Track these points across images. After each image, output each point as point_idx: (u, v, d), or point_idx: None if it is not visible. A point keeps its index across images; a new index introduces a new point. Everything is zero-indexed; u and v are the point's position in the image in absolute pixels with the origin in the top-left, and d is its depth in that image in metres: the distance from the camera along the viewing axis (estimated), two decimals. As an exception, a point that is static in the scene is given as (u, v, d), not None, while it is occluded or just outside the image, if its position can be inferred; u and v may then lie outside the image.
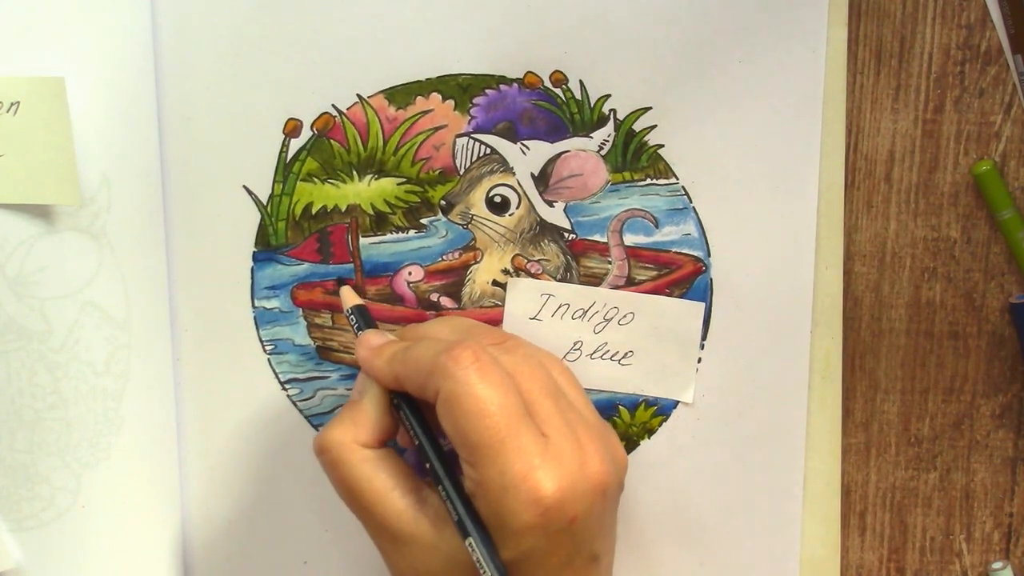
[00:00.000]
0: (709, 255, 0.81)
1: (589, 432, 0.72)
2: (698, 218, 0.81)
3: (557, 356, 0.79)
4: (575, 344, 0.82)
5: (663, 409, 0.83)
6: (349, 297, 0.79)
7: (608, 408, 0.82)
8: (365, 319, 0.78)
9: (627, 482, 0.82)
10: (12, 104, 0.74)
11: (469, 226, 0.81)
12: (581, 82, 0.80)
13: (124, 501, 0.80)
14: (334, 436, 0.73)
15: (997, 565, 0.85)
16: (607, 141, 0.80)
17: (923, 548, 0.86)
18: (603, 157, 0.80)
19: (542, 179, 0.81)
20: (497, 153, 0.80)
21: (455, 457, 0.71)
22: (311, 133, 0.79)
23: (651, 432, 0.83)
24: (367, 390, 0.74)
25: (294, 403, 0.82)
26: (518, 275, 0.81)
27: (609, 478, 0.71)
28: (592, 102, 0.80)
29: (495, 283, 0.81)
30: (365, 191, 0.80)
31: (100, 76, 0.76)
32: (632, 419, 0.83)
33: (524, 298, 0.81)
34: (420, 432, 0.73)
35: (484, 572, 0.69)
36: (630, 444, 0.83)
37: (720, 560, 0.84)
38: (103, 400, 0.78)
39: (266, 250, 0.80)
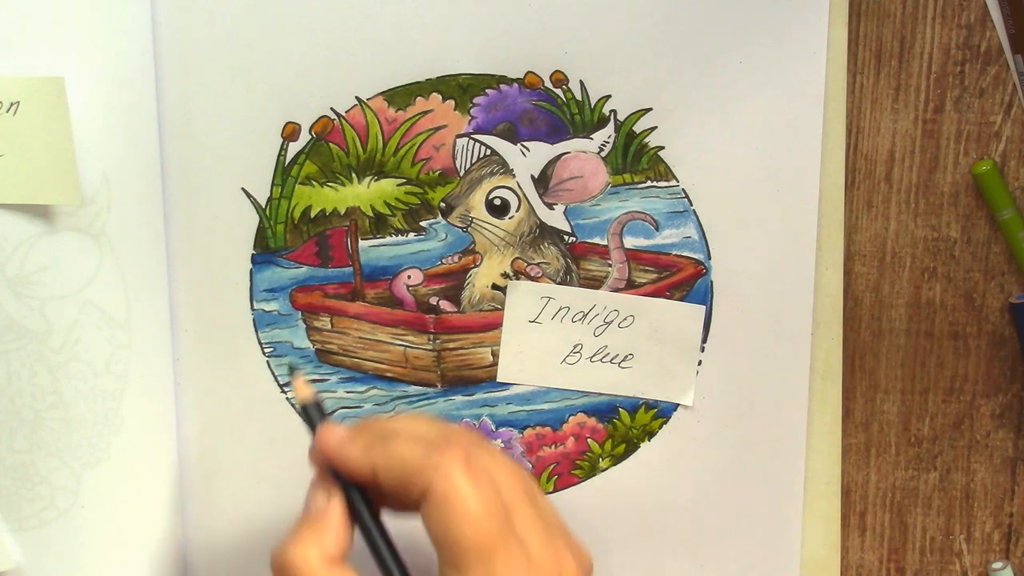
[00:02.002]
0: (709, 258, 0.81)
1: (563, 538, 0.71)
2: (698, 221, 0.81)
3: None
4: (575, 347, 0.82)
5: (663, 411, 0.83)
6: (303, 391, 0.73)
7: (607, 411, 0.83)
8: (322, 413, 0.73)
9: (628, 483, 0.83)
10: (12, 104, 0.74)
11: (469, 229, 0.81)
12: (581, 82, 0.80)
13: (124, 501, 0.80)
14: (298, 556, 0.68)
15: (997, 565, 0.85)
16: (607, 143, 0.80)
17: (923, 548, 0.86)
18: (603, 159, 0.80)
19: (542, 181, 0.80)
20: (497, 154, 0.80)
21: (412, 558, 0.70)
22: (309, 136, 0.79)
23: (651, 434, 0.83)
24: (328, 502, 0.70)
25: (293, 406, 0.82)
26: (518, 278, 0.81)
27: None
28: (592, 103, 0.80)
29: (495, 287, 0.81)
30: (364, 193, 0.80)
31: (100, 76, 0.76)
32: (632, 421, 0.83)
33: (524, 301, 0.81)
34: (377, 534, 0.70)
35: None
36: (630, 446, 0.83)
37: (721, 560, 0.84)
38: (103, 400, 0.79)
39: (265, 252, 0.80)
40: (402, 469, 0.68)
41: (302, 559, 0.68)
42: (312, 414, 0.72)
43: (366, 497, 0.70)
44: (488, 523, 0.66)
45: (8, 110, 0.74)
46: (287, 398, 0.82)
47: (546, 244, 0.81)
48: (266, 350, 0.81)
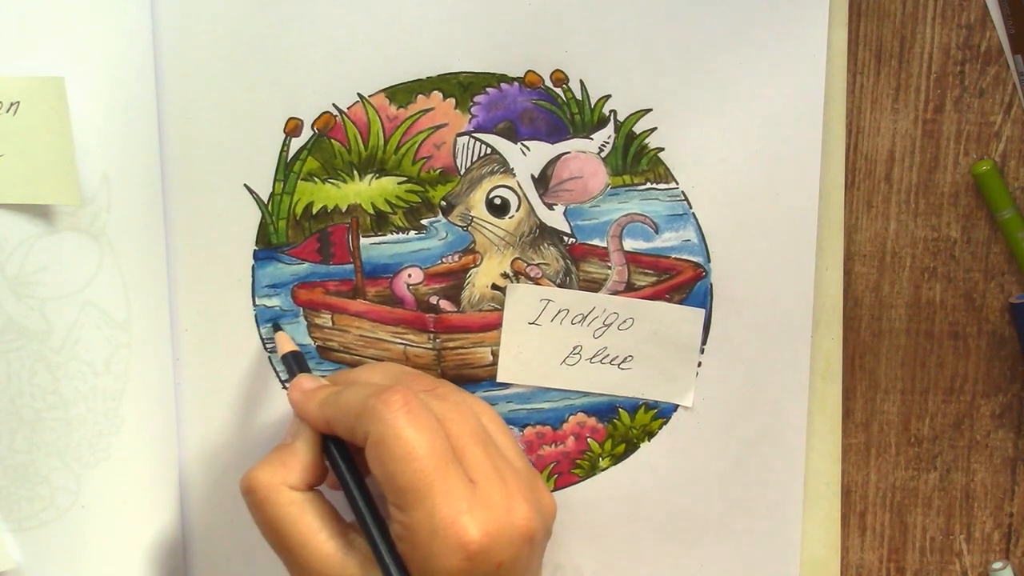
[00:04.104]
0: (709, 260, 0.81)
1: (518, 479, 0.72)
2: (698, 224, 0.81)
3: (487, 404, 0.79)
4: (575, 348, 0.82)
5: (663, 412, 0.83)
6: (284, 344, 0.80)
7: (607, 410, 0.82)
8: (299, 364, 0.79)
9: (628, 483, 0.82)
10: (12, 104, 0.74)
11: (469, 228, 0.81)
12: (582, 82, 0.80)
13: (124, 501, 0.80)
14: (261, 476, 0.72)
15: (997, 565, 0.85)
16: (607, 143, 0.80)
17: (923, 548, 0.86)
18: (603, 159, 0.80)
19: (542, 181, 0.81)
20: (497, 153, 0.80)
21: (383, 503, 0.71)
22: (312, 132, 0.79)
23: (651, 435, 0.83)
24: (299, 433, 0.74)
25: (295, 403, 0.82)
26: (517, 279, 0.81)
27: (536, 525, 0.71)
28: (592, 102, 0.80)
29: (494, 287, 0.81)
30: (366, 190, 0.80)
31: (100, 76, 0.76)
32: (632, 422, 0.83)
33: (523, 303, 0.81)
34: (347, 474, 0.73)
35: None
36: (630, 446, 0.83)
37: (721, 561, 0.84)
38: (103, 400, 0.78)
39: (267, 248, 0.80)
40: (347, 417, 0.71)
41: (263, 481, 0.72)
42: (291, 365, 0.78)
43: (343, 446, 0.74)
44: (424, 463, 0.68)
45: (8, 110, 0.74)
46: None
47: (546, 245, 0.81)
48: (268, 347, 0.81)
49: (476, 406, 0.77)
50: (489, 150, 0.80)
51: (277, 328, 0.81)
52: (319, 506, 0.73)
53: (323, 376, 0.78)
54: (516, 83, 0.80)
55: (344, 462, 0.73)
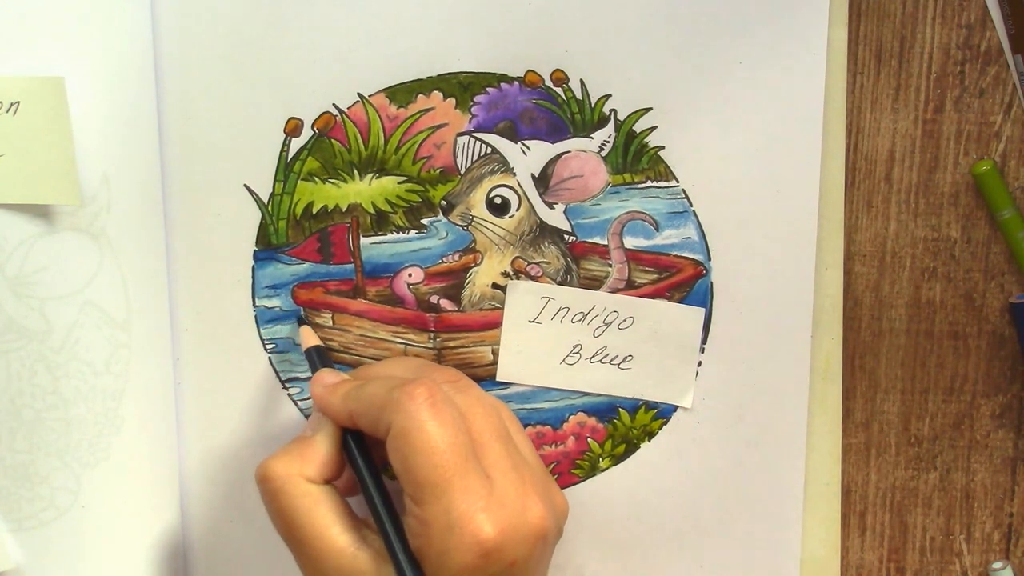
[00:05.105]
0: (709, 258, 0.81)
1: (533, 478, 0.72)
2: (698, 221, 0.81)
3: (502, 402, 0.80)
4: (574, 347, 0.82)
5: (663, 412, 0.83)
6: (308, 338, 0.80)
7: (607, 411, 0.82)
8: (322, 359, 0.78)
9: (628, 483, 0.82)
10: (12, 104, 0.74)
11: (469, 228, 0.81)
12: (582, 81, 0.80)
13: (124, 501, 0.80)
14: (278, 467, 0.72)
15: (997, 565, 0.85)
16: (607, 142, 0.80)
17: (923, 548, 0.86)
18: (603, 158, 0.80)
19: (542, 180, 0.80)
20: (498, 153, 0.80)
21: (399, 499, 0.71)
22: (312, 132, 0.79)
23: (651, 435, 0.83)
24: (320, 428, 0.74)
25: (295, 402, 0.82)
26: (518, 278, 0.81)
27: (549, 524, 0.71)
28: (593, 102, 0.80)
29: (495, 286, 0.81)
30: (366, 190, 0.80)
31: (100, 76, 0.76)
32: (632, 422, 0.83)
33: (524, 301, 0.81)
34: (365, 469, 0.73)
35: None
36: (630, 446, 0.83)
37: (720, 561, 0.84)
38: (103, 400, 0.78)
39: (267, 249, 0.80)
40: (369, 409, 0.71)
41: (279, 471, 0.72)
42: (313, 359, 0.78)
43: (362, 441, 0.74)
44: (444, 457, 0.68)
45: (8, 110, 0.74)
46: (289, 395, 0.82)
47: (546, 243, 0.81)
48: (268, 347, 0.81)
49: (496, 403, 0.77)
50: (489, 149, 0.80)
51: (301, 322, 0.81)
52: (334, 500, 0.72)
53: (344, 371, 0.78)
54: (516, 83, 0.80)
55: (361, 455, 0.74)
